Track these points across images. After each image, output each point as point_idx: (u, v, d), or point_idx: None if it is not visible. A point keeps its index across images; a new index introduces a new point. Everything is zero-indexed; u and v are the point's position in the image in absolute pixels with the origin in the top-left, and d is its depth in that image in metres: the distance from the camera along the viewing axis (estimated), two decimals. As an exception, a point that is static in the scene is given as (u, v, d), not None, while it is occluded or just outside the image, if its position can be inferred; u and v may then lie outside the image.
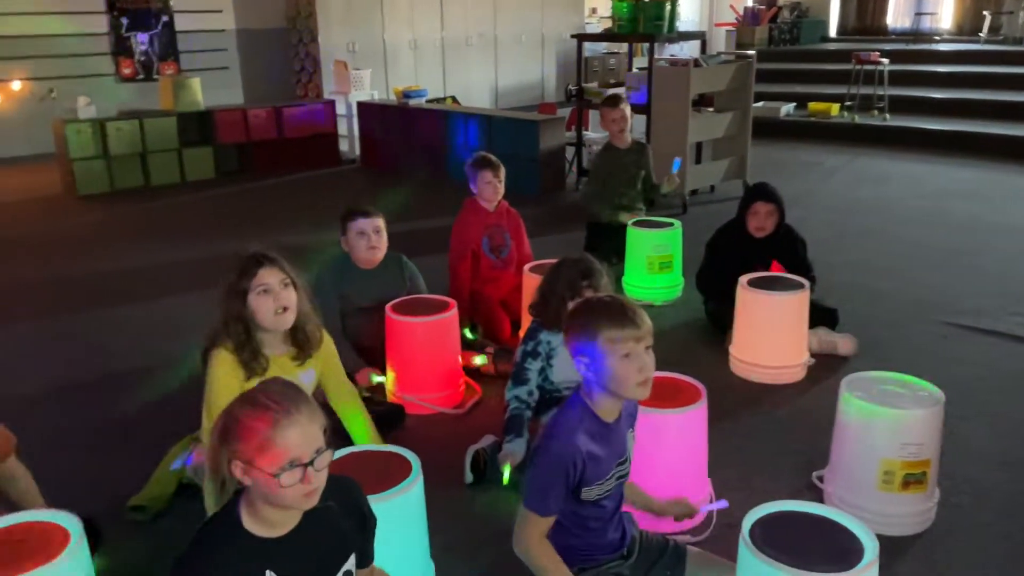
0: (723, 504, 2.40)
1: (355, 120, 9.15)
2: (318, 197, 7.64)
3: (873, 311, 4.39)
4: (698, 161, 7.27)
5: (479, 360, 3.70)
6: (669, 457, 2.58)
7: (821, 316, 3.90)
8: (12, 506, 2.31)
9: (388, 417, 3.28)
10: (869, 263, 5.27)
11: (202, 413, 2.51)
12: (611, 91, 6.50)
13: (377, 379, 3.43)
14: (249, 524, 1.61)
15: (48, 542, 1.97)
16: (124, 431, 3.35)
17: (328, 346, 2.72)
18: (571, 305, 2.57)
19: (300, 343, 2.57)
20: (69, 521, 2.03)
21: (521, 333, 3.33)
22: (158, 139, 8.11)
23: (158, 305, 4.86)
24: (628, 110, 5.29)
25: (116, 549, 2.47)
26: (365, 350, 3.52)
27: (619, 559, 2.13)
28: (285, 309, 2.47)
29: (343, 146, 9.34)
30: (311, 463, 1.56)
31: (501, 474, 2.77)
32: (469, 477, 2.88)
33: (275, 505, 1.59)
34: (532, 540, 2.00)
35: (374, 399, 3.38)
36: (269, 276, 2.45)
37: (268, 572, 1.60)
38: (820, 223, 5.91)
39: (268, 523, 1.61)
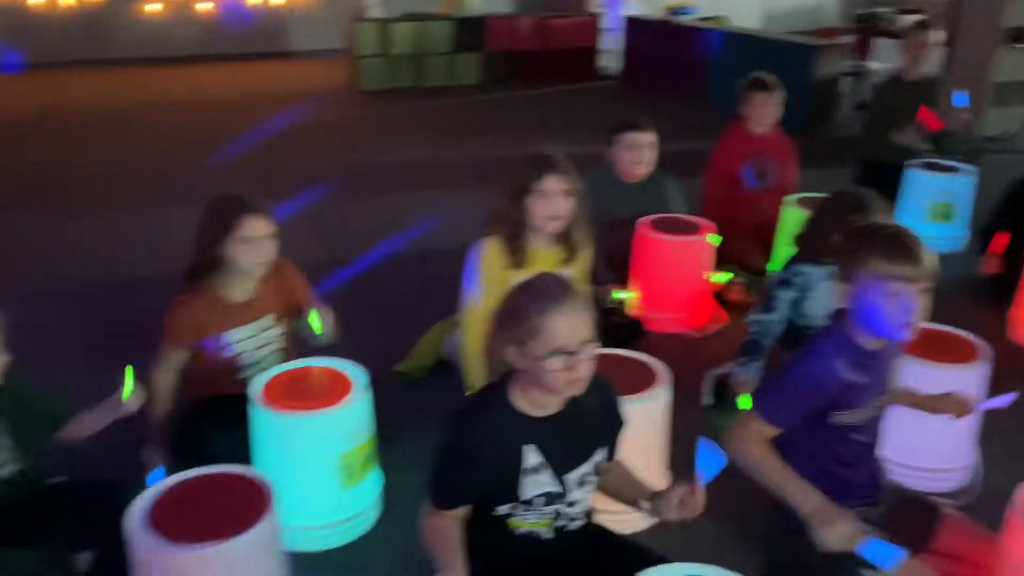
0: (1007, 399, 2.09)
1: (620, 35, 9.05)
2: (578, 110, 7.73)
3: None
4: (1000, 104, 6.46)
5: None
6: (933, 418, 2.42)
7: None
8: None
9: (628, 331, 3.34)
10: None
11: (461, 298, 2.70)
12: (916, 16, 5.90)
13: (620, 295, 3.49)
14: (516, 401, 1.74)
15: (339, 386, 2.26)
16: (406, 306, 3.68)
17: (587, 254, 2.80)
18: (838, 238, 2.45)
19: (566, 245, 2.67)
20: (356, 371, 2.32)
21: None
22: (434, 42, 8.56)
23: (424, 195, 5.22)
24: (935, 37, 4.78)
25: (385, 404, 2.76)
26: (612, 261, 3.58)
27: (866, 506, 2.05)
28: (556, 218, 2.57)
29: (604, 61, 9.30)
30: (577, 353, 1.65)
31: (737, 400, 2.76)
32: (709, 399, 2.89)
33: (541, 388, 1.70)
34: (746, 437, 1.91)
35: (616, 311, 3.45)
36: (551, 183, 2.55)
37: (526, 446, 1.73)
38: None
39: (534, 403, 1.74)
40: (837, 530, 1.78)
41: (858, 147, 5.13)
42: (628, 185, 3.62)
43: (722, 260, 3.75)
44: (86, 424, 2.22)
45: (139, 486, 2.04)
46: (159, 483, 1.88)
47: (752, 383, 2.76)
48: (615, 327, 3.24)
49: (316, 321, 2.50)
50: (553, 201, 2.55)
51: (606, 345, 2.61)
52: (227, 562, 1.70)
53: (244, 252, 2.43)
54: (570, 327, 1.65)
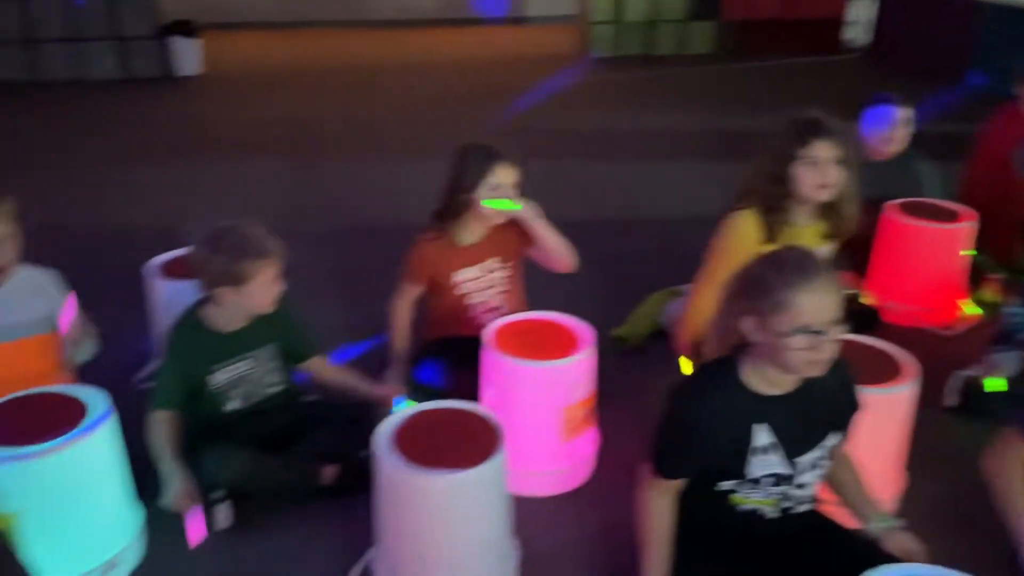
0: None
1: (872, 4, 8.40)
2: (819, 85, 7.29)
3: None
4: None
5: None
6: None
7: None
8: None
9: (863, 319, 3.13)
10: None
11: (701, 270, 2.62)
12: None
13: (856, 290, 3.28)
14: (747, 377, 1.69)
15: (564, 339, 2.30)
16: (628, 271, 3.69)
17: (849, 230, 2.62)
18: None
19: (831, 220, 2.48)
20: (584, 329, 2.35)
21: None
22: (667, 9, 8.38)
23: (650, 165, 5.17)
24: None
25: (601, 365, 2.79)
26: (853, 245, 3.36)
27: None
28: (826, 186, 2.37)
29: (850, 33, 8.69)
30: (822, 333, 1.57)
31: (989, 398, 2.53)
32: (953, 401, 2.67)
33: (778, 366, 1.64)
34: (1007, 463, 1.81)
35: (852, 298, 3.24)
36: (821, 150, 2.33)
37: (756, 425, 1.68)
38: None
39: (767, 380, 1.68)
40: None
41: None
42: (876, 164, 3.38)
43: (980, 252, 3.41)
44: (340, 380, 2.44)
45: (384, 411, 2.22)
46: (401, 410, 2.01)
47: (1008, 369, 2.51)
48: (850, 314, 3.05)
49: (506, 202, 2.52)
50: (824, 169, 2.34)
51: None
52: (462, 491, 1.80)
53: (488, 198, 2.53)
54: (818, 305, 1.57)
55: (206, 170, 5.09)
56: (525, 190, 2.59)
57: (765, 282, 1.61)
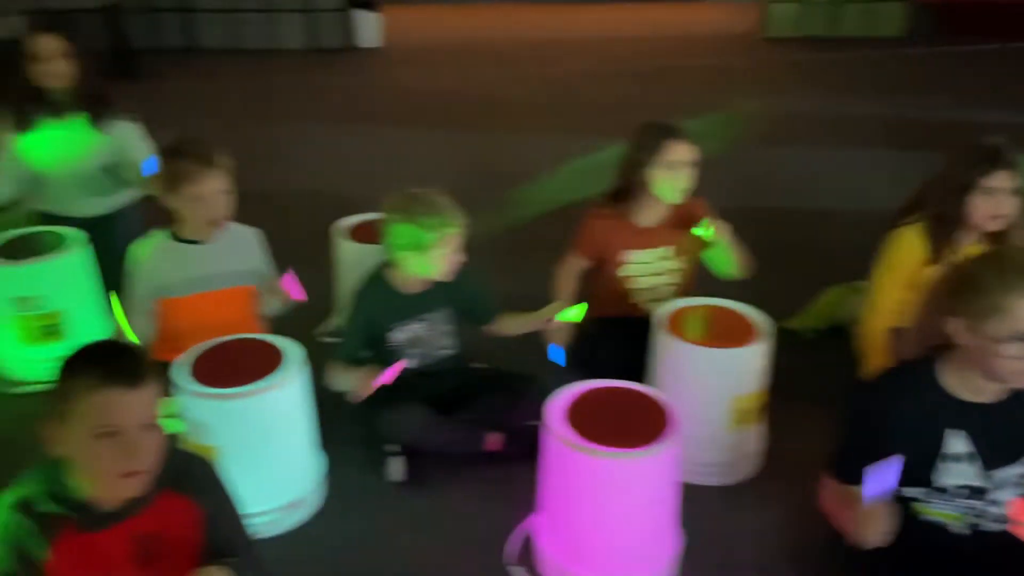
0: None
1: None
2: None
3: None
4: None
5: None
6: None
7: None
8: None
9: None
10: None
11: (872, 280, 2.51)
12: None
13: None
14: (947, 380, 1.59)
15: (740, 329, 2.26)
16: (804, 262, 3.56)
17: None
18: None
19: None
20: (760, 318, 2.31)
21: None
22: (855, -12, 7.93)
23: (828, 155, 4.93)
24: None
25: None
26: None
27: None
28: (999, 217, 2.26)
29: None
30: None
31: None
32: None
33: (985, 372, 1.54)
34: None
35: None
36: (1000, 180, 2.23)
37: (951, 431, 1.58)
38: None
39: (969, 386, 1.58)
40: None
41: None
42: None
43: None
44: (512, 326, 2.49)
45: (550, 382, 2.25)
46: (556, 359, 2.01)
47: None
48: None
49: (707, 230, 2.49)
50: (999, 199, 2.25)
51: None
52: (633, 472, 1.80)
53: (664, 177, 2.50)
54: None
55: (387, 137, 5.30)
56: (696, 174, 2.54)
57: (982, 283, 1.51)
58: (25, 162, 2.95)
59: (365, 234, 2.82)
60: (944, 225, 2.33)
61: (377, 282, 2.36)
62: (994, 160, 2.25)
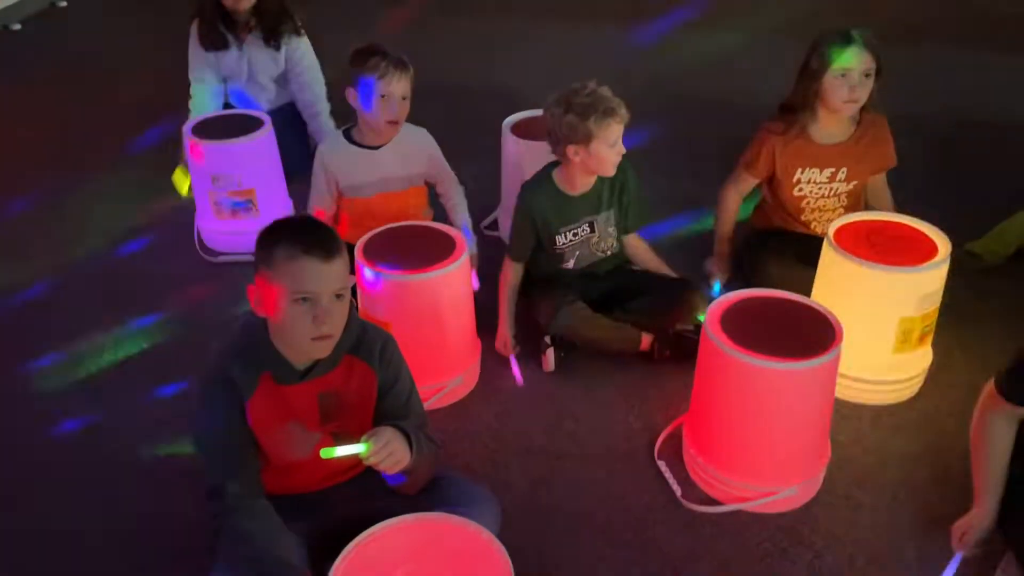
0: None
1: None
2: None
3: None
4: None
5: None
6: None
7: None
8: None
9: None
10: None
11: None
12: None
13: None
14: None
15: (917, 249, 2.18)
16: (997, 180, 3.33)
17: None
18: None
19: None
20: (942, 238, 2.20)
21: None
22: None
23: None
24: None
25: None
26: None
27: None
28: None
29: None
30: None
31: None
32: None
33: None
34: None
35: None
36: None
37: None
38: None
39: None
40: None
41: None
42: None
43: None
44: (653, 263, 2.52)
45: (708, 293, 2.26)
46: (714, 295, 2.03)
47: None
48: None
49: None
50: None
51: None
52: (788, 382, 1.81)
53: (834, 87, 2.38)
54: None
55: (551, 33, 5.20)
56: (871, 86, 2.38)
57: None
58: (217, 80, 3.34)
59: (530, 130, 2.85)
60: None
61: (543, 183, 2.40)
62: None
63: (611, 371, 2.38)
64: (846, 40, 2.36)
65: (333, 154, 2.58)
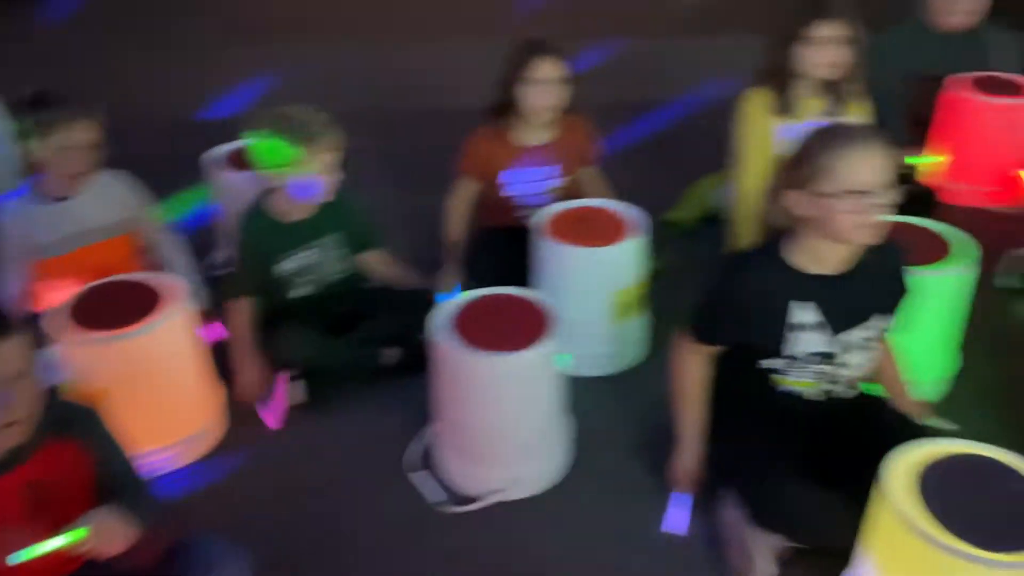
0: None
1: None
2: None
3: None
4: None
5: None
6: None
7: None
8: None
9: (919, 200, 3.06)
10: None
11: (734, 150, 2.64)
12: None
13: (916, 160, 3.19)
14: (794, 256, 1.71)
15: (614, 227, 2.37)
16: (680, 155, 3.62)
17: (859, 111, 2.60)
18: None
19: (835, 95, 2.53)
20: (633, 215, 2.42)
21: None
22: None
23: (690, 42, 4.99)
24: None
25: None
26: (915, 123, 3.27)
27: None
28: (829, 65, 2.45)
29: None
30: (869, 194, 1.57)
31: None
32: (1005, 281, 2.66)
33: (828, 236, 1.65)
34: None
35: (908, 178, 3.18)
36: (825, 30, 2.40)
37: (798, 302, 1.71)
38: None
39: (816, 258, 1.70)
40: None
41: None
42: (942, 37, 3.22)
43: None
44: (392, 273, 2.52)
45: (443, 296, 2.31)
46: (451, 298, 2.09)
47: None
48: (906, 196, 3.01)
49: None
50: (827, 49, 2.40)
51: (898, 214, 2.48)
52: (515, 371, 1.90)
53: (531, 94, 2.52)
54: (863, 167, 1.59)
55: (276, 53, 5.05)
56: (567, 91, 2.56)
57: (810, 151, 1.64)
58: None
59: (242, 161, 2.76)
60: (781, 78, 2.49)
61: (258, 213, 2.33)
62: (819, 11, 2.40)
63: (362, 393, 2.37)
64: (541, 50, 2.51)
65: (16, 216, 2.33)
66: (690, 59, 4.76)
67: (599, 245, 2.28)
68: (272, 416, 2.29)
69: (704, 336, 1.84)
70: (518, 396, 1.94)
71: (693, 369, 1.87)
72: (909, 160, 3.18)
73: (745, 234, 2.56)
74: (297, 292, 2.39)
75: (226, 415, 2.31)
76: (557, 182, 2.70)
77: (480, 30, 5.05)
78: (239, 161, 2.77)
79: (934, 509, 1.37)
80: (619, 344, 2.43)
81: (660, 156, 3.64)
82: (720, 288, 1.80)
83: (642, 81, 4.51)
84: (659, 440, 2.09)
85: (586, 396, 2.30)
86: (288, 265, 2.35)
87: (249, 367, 2.31)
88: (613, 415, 2.29)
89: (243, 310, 2.33)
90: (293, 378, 2.32)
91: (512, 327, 1.94)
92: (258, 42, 5.32)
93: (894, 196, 1.62)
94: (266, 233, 2.31)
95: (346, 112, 2.34)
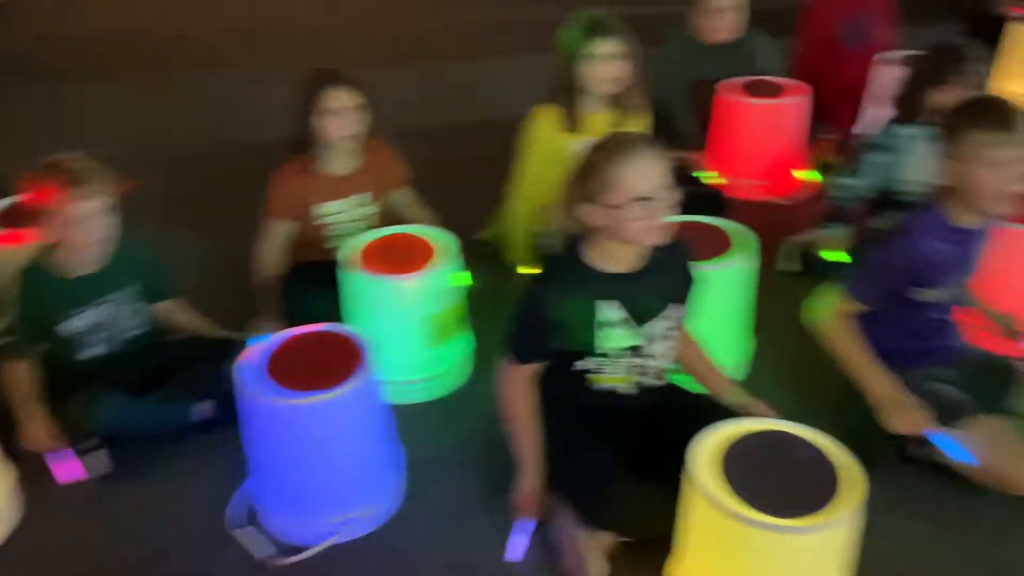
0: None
1: None
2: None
3: None
4: None
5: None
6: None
7: None
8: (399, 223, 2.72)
9: (709, 201, 3.29)
10: None
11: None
12: None
13: (701, 172, 3.43)
14: (592, 260, 1.81)
15: (424, 251, 2.36)
16: (490, 175, 3.59)
17: (644, 119, 2.78)
18: (935, 95, 2.40)
19: (620, 109, 2.70)
20: (444, 238, 2.41)
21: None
22: None
23: (483, 65, 5.13)
24: None
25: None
26: (699, 128, 3.52)
27: (942, 367, 2.09)
28: (611, 81, 2.59)
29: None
30: (654, 199, 1.68)
31: (819, 262, 2.79)
32: (787, 265, 2.90)
33: (621, 240, 1.75)
34: (834, 315, 2.06)
35: (696, 180, 3.41)
36: (606, 47, 2.55)
37: (603, 301, 1.80)
38: None
39: (611, 259, 1.80)
40: (903, 419, 1.93)
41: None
42: (712, 49, 3.49)
43: (814, 121, 3.62)
44: (199, 325, 2.41)
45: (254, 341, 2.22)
46: (260, 343, 2.00)
47: (839, 242, 2.77)
48: (694, 196, 3.23)
49: (457, 278, 2.45)
50: (607, 65, 2.56)
51: (687, 214, 2.65)
52: (329, 411, 1.84)
53: (329, 125, 2.49)
54: (645, 174, 1.69)
55: (40, 97, 4.70)
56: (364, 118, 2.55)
57: (594, 166, 1.72)
58: None
59: (14, 218, 2.54)
60: (566, 94, 2.62)
61: (37, 271, 2.15)
62: (598, 29, 2.55)
63: (172, 452, 2.22)
64: (332, 80, 2.48)
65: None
66: (497, 79, 4.89)
67: (409, 272, 2.27)
68: (64, 470, 2.11)
69: (525, 355, 1.89)
70: (337, 436, 1.88)
71: (520, 392, 1.90)
72: (696, 174, 3.43)
73: (520, 248, 2.67)
74: (90, 352, 2.22)
75: (19, 496, 2.09)
76: (370, 209, 2.67)
77: (266, 62, 4.98)
78: (13, 217, 2.56)
79: (735, 485, 1.46)
80: (441, 368, 2.43)
81: (471, 177, 3.68)
82: (530, 304, 1.85)
83: (451, 104, 4.58)
84: (491, 460, 2.11)
85: (413, 424, 2.28)
86: (76, 324, 2.18)
87: (37, 421, 2.11)
88: (443, 440, 2.28)
89: (22, 371, 2.14)
90: (93, 448, 2.14)
91: (326, 365, 1.88)
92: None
93: (675, 197, 1.73)
94: (47, 290, 2.14)
95: (128, 155, 2.21)
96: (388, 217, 2.72)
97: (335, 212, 2.63)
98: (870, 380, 1.99)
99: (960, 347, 2.13)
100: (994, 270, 2.12)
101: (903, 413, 1.93)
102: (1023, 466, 1.90)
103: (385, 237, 2.45)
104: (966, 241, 1.97)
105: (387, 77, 4.89)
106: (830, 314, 2.08)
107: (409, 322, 2.31)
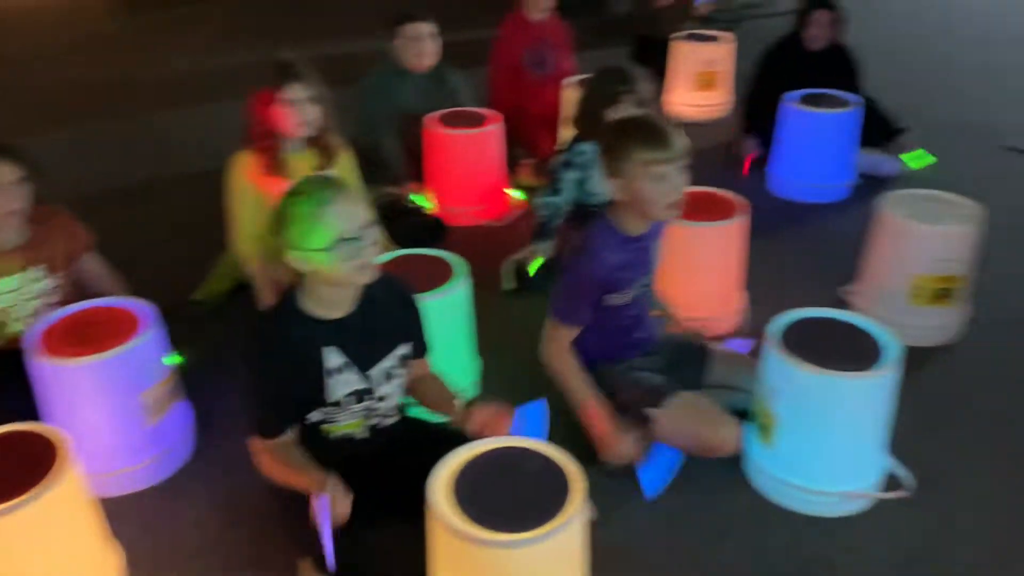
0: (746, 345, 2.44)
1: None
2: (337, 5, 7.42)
3: (928, 135, 4.24)
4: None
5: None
6: (705, 269, 2.66)
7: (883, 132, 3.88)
8: (90, 297, 2.47)
9: (429, 230, 3.36)
10: (924, 84, 5.07)
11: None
12: None
13: (417, 198, 3.50)
14: (307, 307, 1.74)
15: (123, 325, 2.16)
16: (195, 232, 3.49)
17: (346, 156, 2.80)
18: (609, 114, 2.60)
19: (320, 150, 2.71)
20: (142, 308, 2.21)
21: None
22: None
23: (193, 111, 4.91)
24: None
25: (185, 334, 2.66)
26: (409, 159, 3.58)
27: (640, 356, 2.27)
28: (304, 124, 2.60)
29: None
30: (359, 239, 1.65)
31: (528, 272, 2.97)
32: (509, 284, 3.02)
33: (331, 283, 1.70)
34: (556, 350, 2.20)
35: (416, 212, 3.47)
36: (295, 91, 2.56)
37: (326, 348, 1.74)
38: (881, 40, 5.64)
39: (326, 305, 1.74)
40: (617, 453, 2.13)
41: (633, 24, 5.33)
42: (416, 78, 3.58)
43: (513, 147, 3.82)
44: None
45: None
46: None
47: (541, 253, 2.97)
48: (416, 227, 3.28)
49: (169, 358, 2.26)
50: (299, 109, 2.57)
51: (409, 245, 2.67)
52: (27, 522, 1.61)
53: None
54: (345, 216, 1.65)
55: None
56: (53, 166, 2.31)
57: (288, 215, 1.66)
58: None
59: None
60: (267, 140, 2.62)
61: None
62: (287, 74, 2.56)
63: None
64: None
65: None
66: (198, 128, 4.66)
67: (103, 351, 2.05)
68: None
69: (269, 430, 1.77)
70: (19, 559, 1.63)
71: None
72: (412, 198, 3.48)
73: (266, 291, 2.57)
74: None
75: None
76: (48, 283, 2.40)
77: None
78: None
79: (467, 508, 1.46)
80: (162, 447, 2.23)
81: (179, 236, 3.46)
82: (254, 364, 1.73)
83: (139, 160, 4.30)
84: (229, 541, 1.99)
85: (137, 514, 2.07)
86: None
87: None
88: (167, 526, 2.10)
89: None
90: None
91: (13, 474, 1.64)
92: None
93: (378, 233, 1.71)
94: None
95: None
96: (74, 292, 2.48)
97: (7, 291, 2.33)
98: (592, 417, 2.16)
99: (658, 336, 2.33)
100: (668, 263, 2.35)
101: (618, 447, 2.13)
102: (722, 431, 2.11)
103: (75, 314, 2.21)
104: (640, 247, 2.16)
105: (76, 138, 4.52)
106: (552, 350, 2.19)
107: (117, 405, 2.09)
